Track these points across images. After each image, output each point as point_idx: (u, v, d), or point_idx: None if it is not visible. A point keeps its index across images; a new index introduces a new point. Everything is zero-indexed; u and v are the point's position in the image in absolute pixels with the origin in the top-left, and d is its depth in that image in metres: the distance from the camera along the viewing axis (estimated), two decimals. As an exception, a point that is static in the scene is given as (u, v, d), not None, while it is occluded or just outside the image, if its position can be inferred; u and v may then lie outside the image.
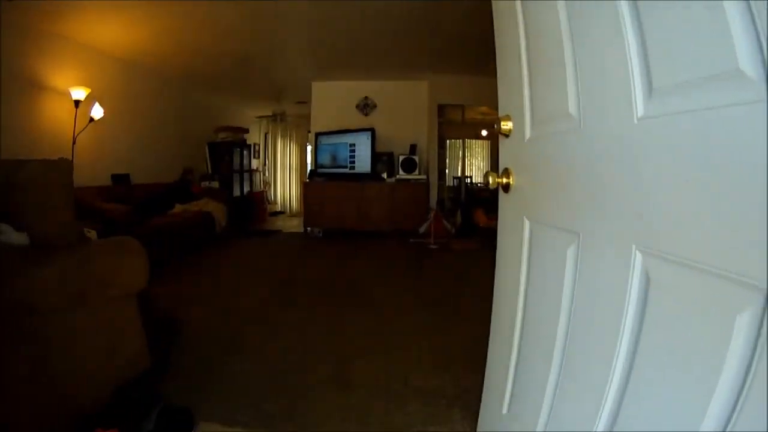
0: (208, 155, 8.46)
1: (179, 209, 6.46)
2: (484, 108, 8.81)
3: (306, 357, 2.73)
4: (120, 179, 6.25)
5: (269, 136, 11.70)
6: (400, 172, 7.37)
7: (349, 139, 7.51)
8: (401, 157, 7.40)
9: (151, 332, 2.51)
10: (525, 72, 1.29)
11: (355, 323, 3.31)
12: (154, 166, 7.07)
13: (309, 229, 7.58)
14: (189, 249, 5.88)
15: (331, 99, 8.06)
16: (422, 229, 6.93)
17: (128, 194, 6.00)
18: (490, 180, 1.39)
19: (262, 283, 4.53)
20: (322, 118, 8.05)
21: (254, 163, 11.19)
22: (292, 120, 11.10)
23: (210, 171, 8.38)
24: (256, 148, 11.40)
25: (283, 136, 11.68)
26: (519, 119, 1.33)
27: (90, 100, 5.35)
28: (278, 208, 11.70)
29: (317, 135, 7.85)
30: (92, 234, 3.67)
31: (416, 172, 7.37)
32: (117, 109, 6.16)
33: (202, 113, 8.62)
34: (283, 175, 11.86)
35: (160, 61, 6.48)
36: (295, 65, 7.07)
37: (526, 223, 1.32)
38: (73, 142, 5.25)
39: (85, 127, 5.32)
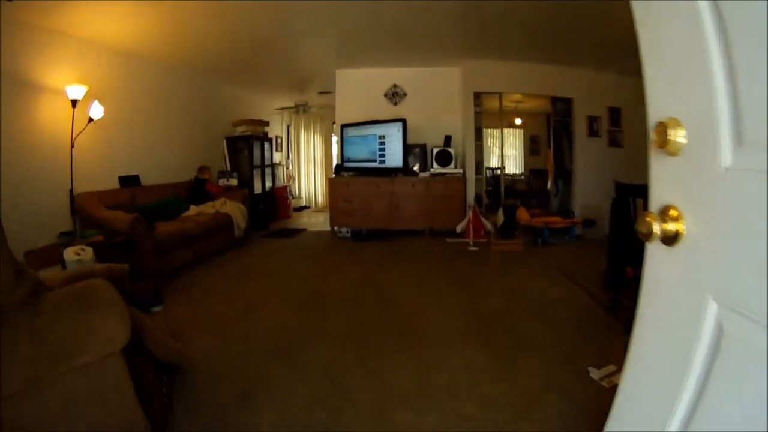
0: (226, 151, 7.99)
1: (194, 212, 6.02)
2: (518, 95, 8.11)
3: (338, 412, 2.20)
4: (128, 181, 5.82)
5: (292, 129, 11.22)
6: (435, 165, 6.78)
7: (378, 130, 6.93)
8: (435, 150, 6.81)
9: (151, 383, 2.04)
10: (716, 48, 0.73)
11: (395, 361, 2.75)
12: (167, 165, 6.63)
13: (336, 228, 7.08)
14: (203, 257, 5.45)
15: (357, 88, 7.48)
16: (459, 228, 6.38)
17: (136, 197, 5.59)
18: (654, 228, 0.83)
19: (284, 300, 4.02)
20: (347, 108, 7.49)
21: (276, 157, 10.74)
22: (316, 111, 10.58)
23: (228, 167, 7.92)
24: (279, 141, 10.94)
25: (307, 128, 11.19)
26: (702, 130, 0.77)
27: (89, 98, 4.89)
28: (303, 202, 11.26)
29: (343, 127, 7.31)
30: (87, 253, 3.22)
31: (452, 165, 6.78)
32: (122, 106, 5.73)
33: (218, 106, 8.12)
34: (308, 168, 11.40)
35: (168, 51, 5.98)
36: (317, 52, 6.48)
37: (711, 307, 0.77)
38: (72, 146, 4.81)
39: (84, 128, 4.88)
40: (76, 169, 4.82)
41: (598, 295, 3.90)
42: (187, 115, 7.18)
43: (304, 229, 7.82)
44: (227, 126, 8.14)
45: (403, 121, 6.66)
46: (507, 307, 3.76)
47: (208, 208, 6.17)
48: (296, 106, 8.87)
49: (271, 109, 10.15)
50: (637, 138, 7.20)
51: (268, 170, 8.87)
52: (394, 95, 7.43)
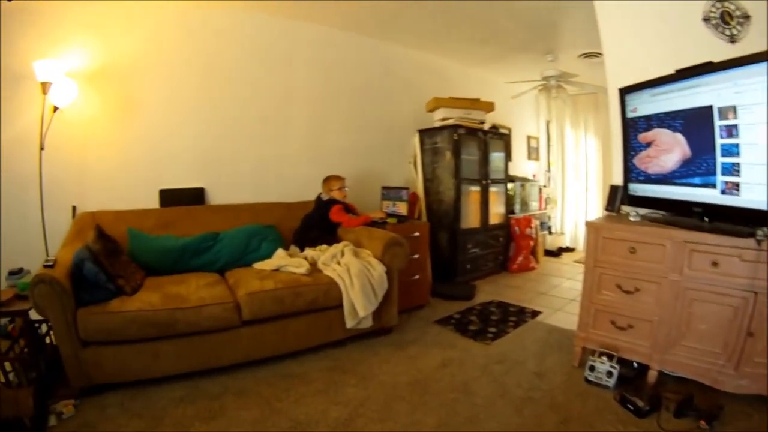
0: (418, 151, 4.63)
1: (271, 264, 2.98)
2: None
3: None
4: (178, 197, 3.34)
5: (553, 124, 7.16)
6: None
7: (711, 94, 2.27)
8: None
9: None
10: None
11: None
12: (282, 175, 4.02)
13: (586, 351, 2.76)
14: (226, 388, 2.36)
15: (641, 11, 3.04)
16: None
17: (178, 224, 3.17)
18: None
19: None
20: (628, 53, 3.14)
21: (531, 167, 6.89)
22: (586, 96, 6.39)
23: (421, 180, 4.58)
24: (532, 144, 7.06)
25: (575, 124, 7.01)
26: None
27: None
28: (566, 241, 7.10)
29: (624, 94, 2.93)
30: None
31: None
32: (179, 79, 3.49)
33: (398, 79, 4.81)
34: (576, 188, 7.17)
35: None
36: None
37: None
38: (41, 147, 2.84)
39: (50, 123, 2.86)
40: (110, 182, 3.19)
41: None
42: (331, 89, 4.29)
43: (537, 314, 3.85)
44: (419, 110, 4.76)
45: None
46: None
47: (297, 262, 2.93)
48: (544, 80, 4.79)
49: (501, 85, 6.00)
50: None
51: (498, 187, 5.16)
52: (726, 18, 2.76)
